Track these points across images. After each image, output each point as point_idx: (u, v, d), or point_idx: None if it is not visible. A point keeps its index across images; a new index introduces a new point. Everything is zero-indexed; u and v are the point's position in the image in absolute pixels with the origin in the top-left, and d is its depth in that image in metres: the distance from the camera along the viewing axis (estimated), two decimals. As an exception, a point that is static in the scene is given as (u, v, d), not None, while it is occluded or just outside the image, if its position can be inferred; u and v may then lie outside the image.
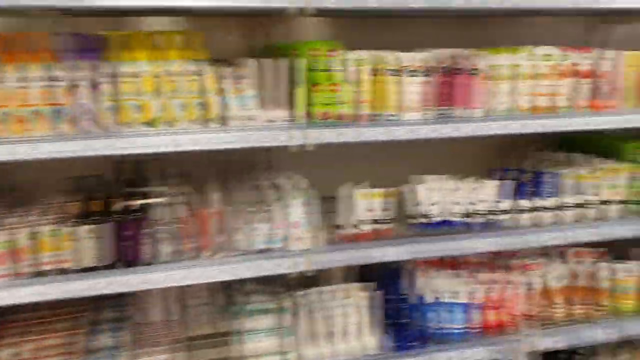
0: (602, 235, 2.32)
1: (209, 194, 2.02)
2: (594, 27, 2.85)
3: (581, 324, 2.38)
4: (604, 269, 2.43)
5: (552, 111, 2.22)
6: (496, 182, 2.26)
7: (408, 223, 2.22)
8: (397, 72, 2.05)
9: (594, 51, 2.25)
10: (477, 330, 2.29)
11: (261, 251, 2.02)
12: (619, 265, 2.44)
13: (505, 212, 2.28)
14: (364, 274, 2.35)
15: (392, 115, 2.06)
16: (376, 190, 2.15)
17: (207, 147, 1.84)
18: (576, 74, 2.23)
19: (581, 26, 2.86)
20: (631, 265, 2.45)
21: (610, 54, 2.26)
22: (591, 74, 2.25)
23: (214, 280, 1.94)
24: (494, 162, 2.63)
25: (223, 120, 1.91)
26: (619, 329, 2.39)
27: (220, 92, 1.91)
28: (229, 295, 2.29)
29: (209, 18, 2.31)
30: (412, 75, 2.06)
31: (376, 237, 2.14)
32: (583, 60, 2.23)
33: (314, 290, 2.23)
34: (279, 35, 2.35)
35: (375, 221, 2.15)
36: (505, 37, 2.56)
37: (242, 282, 2.22)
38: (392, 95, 2.06)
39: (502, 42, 2.32)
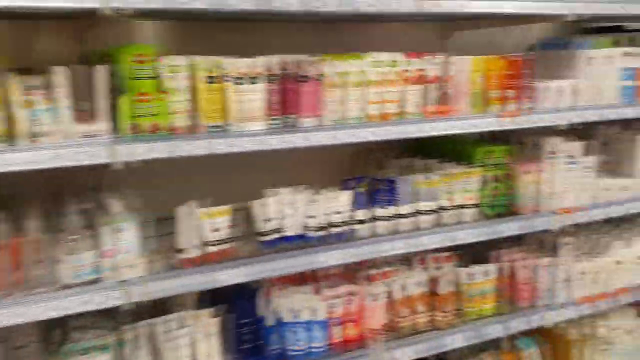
0: (456, 240, 2.32)
1: (23, 220, 1.77)
2: (448, 33, 2.89)
3: (440, 330, 2.36)
4: (461, 273, 2.43)
5: (399, 117, 2.17)
6: (350, 192, 2.18)
7: (258, 240, 2.08)
8: (235, 78, 1.92)
9: (438, 56, 2.24)
10: (336, 346, 2.19)
11: (86, 283, 1.79)
12: (475, 269, 2.45)
13: (359, 222, 2.21)
14: (215, 297, 2.18)
15: (231, 125, 1.92)
16: (220, 208, 2.00)
17: (8, 169, 1.59)
18: (422, 79, 2.21)
19: (435, 32, 2.89)
20: (487, 267, 2.47)
21: (454, 59, 2.26)
22: (436, 80, 2.24)
23: (28, 321, 1.69)
24: (351, 170, 2.58)
25: (31, 136, 1.68)
26: (477, 332, 2.40)
27: (28, 104, 1.68)
28: (60, 332, 2.04)
29: (23, 22, 2.06)
30: (252, 83, 1.94)
31: (222, 259, 1.99)
32: (428, 65, 2.22)
33: (157, 319, 2.04)
34: (109, 41, 2.14)
35: (221, 241, 1.99)
36: (358, 43, 2.51)
37: (78, 315, 1.98)
38: (231, 104, 1.92)
39: (355, 48, 2.25)
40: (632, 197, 2.66)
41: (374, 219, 2.24)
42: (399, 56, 2.17)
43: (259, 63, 1.96)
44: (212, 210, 1.98)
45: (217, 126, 1.92)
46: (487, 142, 2.54)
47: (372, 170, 2.53)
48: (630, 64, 2.57)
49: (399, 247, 2.20)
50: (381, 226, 2.25)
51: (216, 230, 1.99)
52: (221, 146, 1.86)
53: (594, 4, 2.35)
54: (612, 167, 2.75)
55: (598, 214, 2.57)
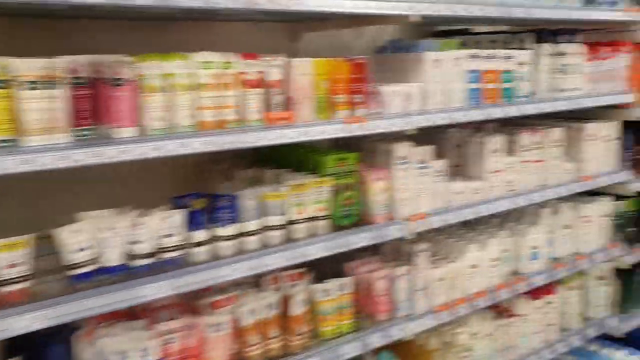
0: (306, 257, 2.13)
1: None
2: (297, 35, 2.73)
3: (294, 356, 2.16)
4: (314, 290, 2.25)
5: (238, 125, 1.95)
6: (166, 214, 1.89)
7: (54, 278, 1.76)
8: (29, 83, 1.60)
9: (278, 58, 2.05)
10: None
11: None
12: (329, 284, 2.29)
13: (196, 245, 1.96)
14: (25, 342, 1.83)
15: (25, 139, 1.60)
16: (15, 239, 1.65)
17: None
18: (261, 83, 2.00)
19: (284, 34, 2.73)
20: (341, 282, 2.32)
21: (295, 61, 2.08)
22: (278, 84, 2.04)
23: None
24: (191, 186, 2.32)
25: None
26: (334, 354, 2.23)
27: None
28: None
29: None
30: (51, 87, 1.63)
31: (19, 301, 1.64)
32: (267, 68, 2.02)
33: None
34: None
35: (18, 279, 1.65)
36: (195, 44, 2.26)
37: None
38: (24, 114, 1.59)
39: (191, 50, 2.00)
40: (483, 200, 2.65)
41: (214, 239, 2.00)
42: (233, 57, 1.95)
43: (59, 64, 1.65)
44: (3, 243, 1.63)
45: (6, 140, 1.58)
46: (337, 150, 2.39)
47: (216, 183, 2.29)
48: (476, 66, 2.56)
49: (240, 270, 1.97)
50: (223, 247, 2.01)
51: (11, 266, 1.64)
52: (10, 164, 1.53)
53: (436, 5, 2.29)
54: (462, 170, 2.73)
55: (451, 218, 2.53)
